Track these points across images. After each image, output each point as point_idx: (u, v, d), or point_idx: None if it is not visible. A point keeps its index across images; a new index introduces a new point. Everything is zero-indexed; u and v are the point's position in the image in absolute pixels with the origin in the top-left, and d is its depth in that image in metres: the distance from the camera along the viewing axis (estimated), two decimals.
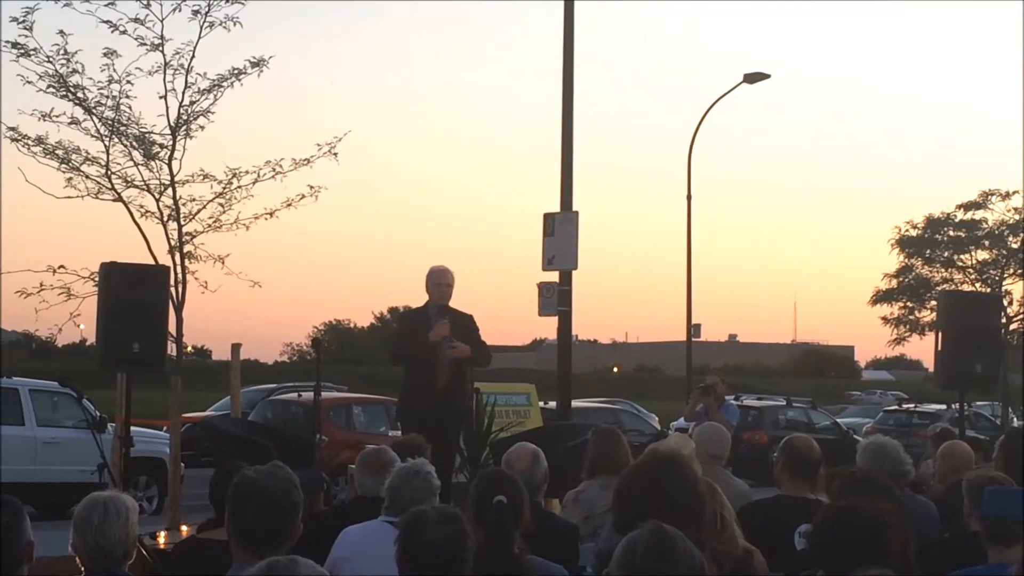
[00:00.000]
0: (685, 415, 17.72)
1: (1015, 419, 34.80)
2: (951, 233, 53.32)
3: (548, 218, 19.55)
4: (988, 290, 48.56)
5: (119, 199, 17.07)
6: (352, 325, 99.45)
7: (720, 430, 10.66)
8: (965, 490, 7.59)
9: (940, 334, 15.16)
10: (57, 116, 17.02)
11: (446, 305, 13.63)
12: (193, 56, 16.98)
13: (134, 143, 16.98)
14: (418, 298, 13.99)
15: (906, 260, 54.38)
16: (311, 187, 17.83)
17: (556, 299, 19.57)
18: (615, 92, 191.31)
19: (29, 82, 16.93)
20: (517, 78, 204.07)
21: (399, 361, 13.88)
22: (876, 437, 9.24)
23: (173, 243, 16.73)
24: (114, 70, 16.90)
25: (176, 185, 16.95)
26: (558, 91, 20.32)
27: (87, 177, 17.06)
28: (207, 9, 16.92)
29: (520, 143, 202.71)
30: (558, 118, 20.30)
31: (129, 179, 17.06)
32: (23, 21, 16.76)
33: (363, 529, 7.31)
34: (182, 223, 16.88)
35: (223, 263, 17.35)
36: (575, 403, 24.65)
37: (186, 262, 16.78)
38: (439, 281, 13.66)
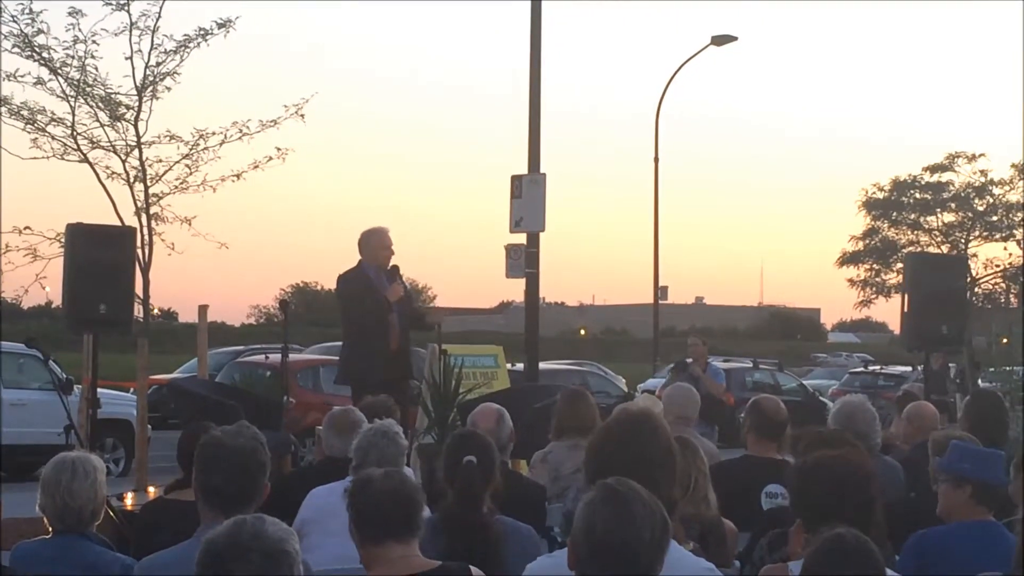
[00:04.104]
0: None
1: (980, 380, 34.95)
2: (917, 195, 53.53)
3: (516, 180, 19.52)
4: (954, 252, 48.72)
5: (85, 160, 17.02)
6: (319, 288, 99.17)
7: (689, 391, 10.66)
8: (931, 450, 7.63)
9: (906, 296, 15.20)
10: (22, 76, 16.96)
11: (384, 267, 13.57)
12: (159, 17, 16.92)
13: (100, 104, 16.93)
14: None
15: (872, 222, 54.54)
16: (278, 149, 17.83)
17: (524, 261, 19.57)
18: (583, 54, 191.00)
19: None
20: (484, 39, 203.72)
21: (359, 323, 13.71)
22: (848, 397, 9.26)
23: (140, 204, 16.71)
24: (79, 30, 16.85)
25: (142, 146, 16.91)
26: (526, 52, 20.29)
27: (53, 138, 17.02)
28: None
29: (487, 107, 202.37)
30: (526, 80, 20.28)
31: (95, 140, 17.02)
32: None
33: (331, 490, 7.31)
34: (148, 184, 16.85)
35: (190, 224, 17.34)
36: (542, 365, 24.68)
37: (153, 223, 16.77)
38: (387, 244, 13.56)
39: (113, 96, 16.97)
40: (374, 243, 13.54)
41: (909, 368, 39.86)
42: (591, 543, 4.30)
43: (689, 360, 18.73)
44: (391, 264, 13.61)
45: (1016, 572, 5.50)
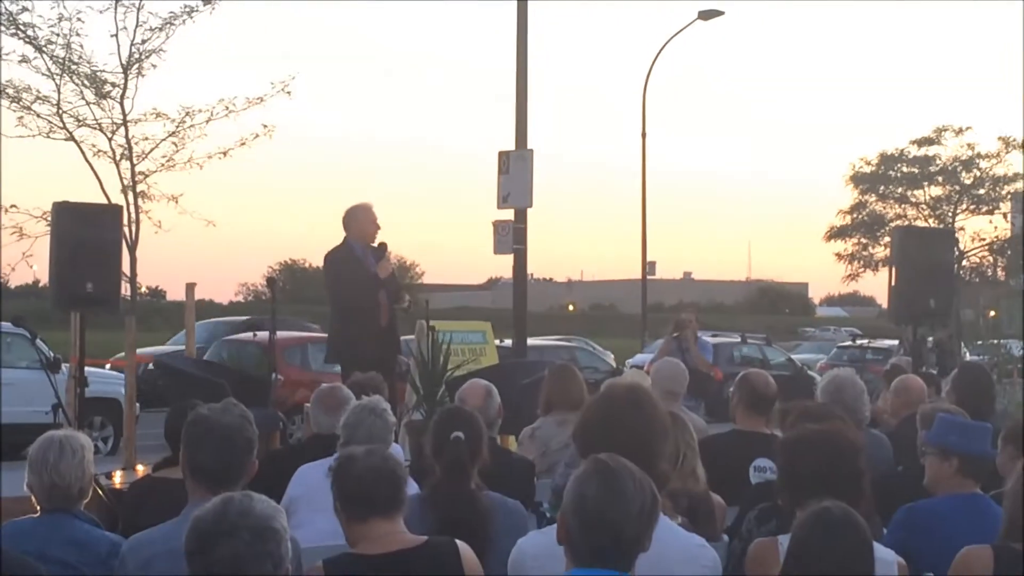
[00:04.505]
0: (661, 353, 17.72)
1: (968, 353, 35.05)
2: (904, 169, 53.47)
3: (503, 156, 19.52)
4: (941, 226, 48.72)
5: (71, 138, 16.99)
6: (307, 265, 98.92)
7: (677, 366, 10.69)
8: (919, 423, 7.64)
9: (894, 270, 15.21)
10: (7, 54, 16.91)
11: (371, 243, 13.57)
12: None
13: (85, 82, 16.90)
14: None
15: (860, 196, 54.55)
16: (265, 126, 17.81)
17: (511, 237, 19.57)
18: (570, 29, 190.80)
19: None
20: (472, 16, 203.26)
21: (348, 301, 13.65)
22: (837, 370, 9.26)
23: (126, 182, 16.69)
24: (64, 7, 16.80)
25: (128, 124, 16.88)
26: (513, 28, 20.26)
27: (38, 116, 16.99)
28: None
29: (475, 81, 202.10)
30: (513, 56, 20.25)
31: (81, 118, 16.99)
32: None
33: (319, 467, 7.31)
34: (135, 162, 16.83)
35: (176, 202, 17.33)
36: (531, 341, 24.68)
37: (139, 201, 16.74)
38: (373, 219, 13.54)
39: (98, 74, 16.93)
40: (361, 219, 13.51)
41: (895, 342, 39.91)
42: (581, 517, 4.31)
43: (684, 318, 18.89)
44: (378, 241, 13.61)
45: (1001, 543, 5.52)
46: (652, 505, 4.36)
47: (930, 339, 28.12)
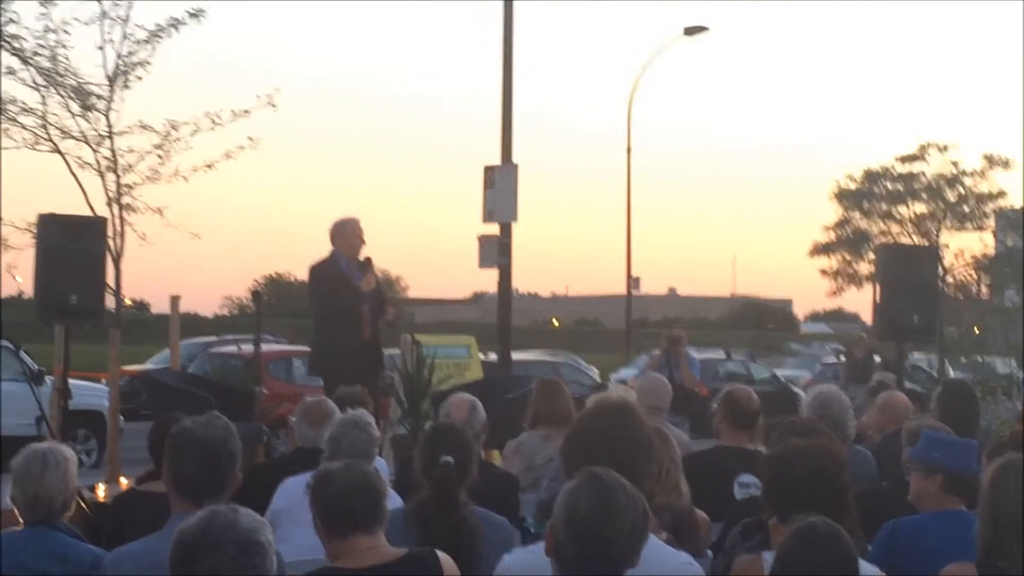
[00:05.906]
0: (650, 368, 17.66)
1: (951, 370, 35.06)
2: (889, 186, 53.49)
3: (488, 171, 19.53)
4: (925, 242, 48.74)
5: (56, 150, 16.98)
6: (292, 278, 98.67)
7: (661, 381, 10.70)
8: (905, 439, 7.64)
9: (878, 286, 15.24)
10: None
11: (356, 257, 13.55)
12: (131, 6, 16.88)
13: (71, 94, 16.89)
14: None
15: (845, 213, 54.56)
16: (250, 138, 17.82)
17: (496, 252, 19.57)
18: (556, 44, 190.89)
19: None
20: (457, 29, 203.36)
21: (332, 314, 13.62)
22: (822, 386, 9.26)
23: (111, 195, 16.68)
24: (50, 19, 16.79)
25: (114, 136, 16.87)
26: (498, 43, 20.29)
27: (24, 128, 16.96)
28: None
29: (461, 94, 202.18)
30: (499, 70, 20.28)
31: (66, 130, 16.98)
32: None
33: (303, 480, 7.29)
34: (120, 175, 16.82)
35: (161, 215, 17.32)
36: (515, 355, 24.68)
37: (124, 214, 16.73)
38: (359, 233, 13.52)
39: (84, 86, 16.92)
40: (348, 232, 13.50)
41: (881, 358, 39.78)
42: (571, 529, 4.29)
43: (675, 335, 18.86)
44: (364, 255, 13.60)
45: (985, 560, 5.52)
46: (643, 521, 4.34)
47: (877, 357, 28.16)
